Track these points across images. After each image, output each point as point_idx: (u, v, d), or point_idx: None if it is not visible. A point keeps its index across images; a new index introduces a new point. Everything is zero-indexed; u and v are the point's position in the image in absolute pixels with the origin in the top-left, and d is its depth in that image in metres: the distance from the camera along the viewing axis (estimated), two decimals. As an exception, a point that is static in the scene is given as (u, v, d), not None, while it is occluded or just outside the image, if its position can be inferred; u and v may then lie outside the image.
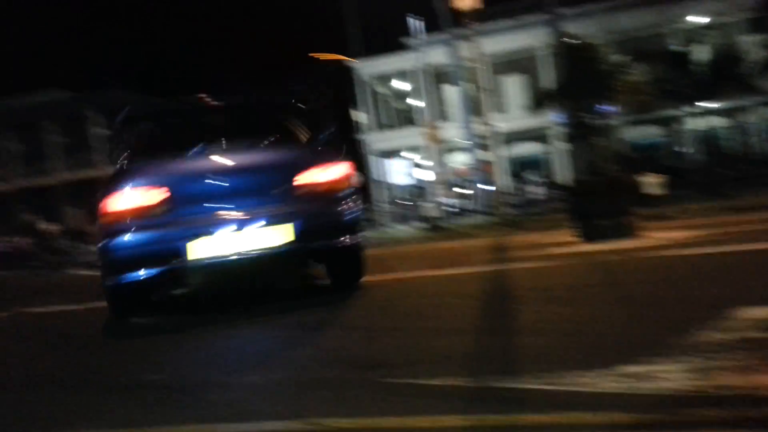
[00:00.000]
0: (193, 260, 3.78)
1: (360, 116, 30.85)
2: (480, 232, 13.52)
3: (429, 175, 30.29)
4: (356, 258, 4.38)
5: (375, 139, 31.08)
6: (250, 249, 3.84)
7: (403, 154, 32.45)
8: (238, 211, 3.90)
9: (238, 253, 3.83)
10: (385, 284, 4.89)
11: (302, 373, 2.41)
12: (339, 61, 28.45)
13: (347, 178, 4.23)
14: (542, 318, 2.90)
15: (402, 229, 18.50)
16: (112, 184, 3.96)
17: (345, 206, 4.13)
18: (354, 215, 4.20)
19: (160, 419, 1.95)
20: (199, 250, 3.78)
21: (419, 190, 33.32)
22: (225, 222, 3.86)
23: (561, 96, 17.76)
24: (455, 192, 29.27)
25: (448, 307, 3.59)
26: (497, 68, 29.02)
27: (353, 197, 4.24)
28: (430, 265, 6.43)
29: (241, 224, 3.84)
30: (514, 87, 29.91)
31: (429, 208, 18.68)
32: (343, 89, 30.57)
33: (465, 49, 21.34)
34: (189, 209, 3.89)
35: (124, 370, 2.91)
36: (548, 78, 25.35)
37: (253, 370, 2.56)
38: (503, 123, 26.50)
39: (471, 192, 26.91)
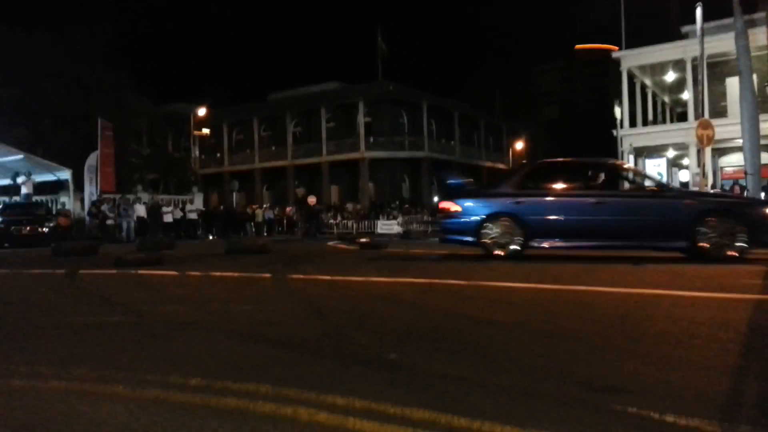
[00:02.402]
0: None
1: (618, 111, 28.67)
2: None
3: (692, 177, 27.00)
4: None
5: (633, 136, 28.65)
6: None
7: (664, 153, 29.45)
8: None
9: None
10: (618, 299, 4.56)
11: (528, 381, 2.40)
12: (600, 52, 26.85)
13: None
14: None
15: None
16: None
17: None
18: None
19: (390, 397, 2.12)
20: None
21: (679, 193, 29.87)
22: None
23: None
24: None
25: (698, 336, 3.21)
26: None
27: None
28: (680, 284, 5.78)
29: None
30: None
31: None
32: (601, 81, 28.80)
33: (755, 36, 18.34)
34: None
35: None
36: None
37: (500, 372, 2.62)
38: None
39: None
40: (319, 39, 76.96)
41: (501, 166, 47.56)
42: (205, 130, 39.20)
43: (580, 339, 3.21)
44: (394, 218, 31.31)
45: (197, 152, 40.88)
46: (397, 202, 35.60)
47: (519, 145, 45.68)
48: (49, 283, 6.59)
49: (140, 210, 23.15)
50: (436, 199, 39.77)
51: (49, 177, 22.78)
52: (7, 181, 22.26)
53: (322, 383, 2.34)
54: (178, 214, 25.19)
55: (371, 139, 39.01)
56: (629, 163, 15.93)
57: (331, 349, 3.04)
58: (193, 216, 26.08)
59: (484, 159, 46.78)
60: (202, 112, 36.94)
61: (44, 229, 17.83)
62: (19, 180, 21.32)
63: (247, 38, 77.41)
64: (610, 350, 2.94)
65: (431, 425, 1.87)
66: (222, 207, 31.91)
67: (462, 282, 5.71)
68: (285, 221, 30.66)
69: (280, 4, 73.27)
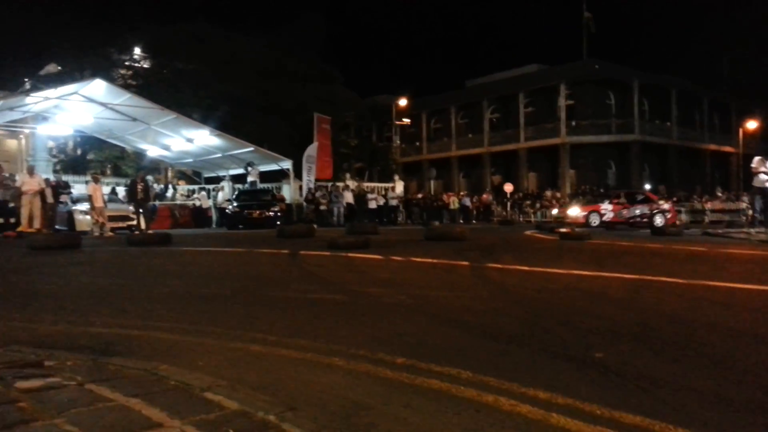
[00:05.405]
0: None
1: None
2: None
3: None
4: None
5: None
6: None
7: None
8: None
9: None
10: None
11: (759, 394, 2.13)
12: None
13: None
14: None
15: None
16: None
17: None
18: None
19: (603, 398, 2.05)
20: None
21: None
22: None
23: None
24: None
25: None
26: None
27: None
28: None
29: None
30: None
31: None
32: None
33: None
34: None
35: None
36: None
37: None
38: None
39: None
40: (518, 21, 74.93)
41: (728, 149, 41.83)
42: (406, 120, 40.76)
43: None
44: (598, 207, 29.41)
45: (398, 141, 42.76)
46: (602, 190, 33.38)
47: (751, 125, 39.55)
48: (276, 262, 7.49)
49: (348, 197, 24.99)
50: (648, 186, 36.46)
51: (273, 166, 25.67)
52: (240, 171, 25.69)
53: (522, 375, 2.34)
54: (381, 200, 26.68)
55: (573, 123, 37.05)
56: None
57: (531, 341, 3.01)
58: (394, 203, 27.41)
59: (707, 142, 41.56)
60: (403, 102, 38.45)
61: (270, 213, 20.20)
62: (249, 169, 24.43)
63: (447, 25, 78.55)
64: None
65: (643, 432, 1.76)
66: (420, 194, 33.01)
67: (680, 280, 5.20)
68: (481, 208, 30.68)
69: (479, -10, 73.02)
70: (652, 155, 38.28)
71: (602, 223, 19.78)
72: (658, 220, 19.63)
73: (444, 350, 2.81)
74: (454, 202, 29.38)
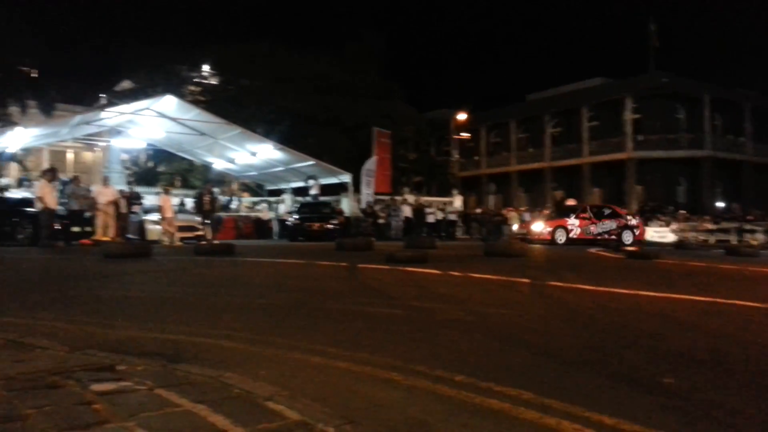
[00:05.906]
0: None
1: None
2: None
3: None
4: None
5: None
6: None
7: None
8: None
9: None
10: None
11: None
12: None
13: None
14: None
15: None
16: None
17: None
18: None
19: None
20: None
21: None
22: None
23: None
24: None
25: None
26: None
27: None
28: None
29: None
30: None
31: None
32: None
33: None
34: None
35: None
36: None
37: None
38: None
39: None
40: (581, 34, 73.47)
41: (807, 165, 39.37)
42: (465, 134, 40.51)
43: None
44: (667, 225, 28.23)
45: (457, 155, 42.52)
46: (672, 207, 32.01)
47: (835, 140, 37.04)
48: (335, 275, 7.58)
49: (407, 210, 25.04)
50: (721, 204, 34.74)
51: (332, 180, 26.08)
52: (301, 184, 26.24)
53: (586, 398, 2.27)
54: (440, 215, 26.58)
55: (640, 138, 35.80)
56: None
57: (595, 363, 2.91)
58: (453, 217, 27.23)
59: (784, 157, 39.27)
60: (462, 116, 38.26)
61: (329, 226, 20.50)
62: (310, 182, 24.91)
63: (508, 39, 77.87)
64: None
65: (716, 464, 1.67)
66: (479, 209, 32.69)
67: (755, 304, 4.92)
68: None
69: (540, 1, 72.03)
70: (725, 172, 36.49)
71: (569, 240, 18.57)
72: (626, 237, 18.68)
73: (504, 369, 2.76)
74: (514, 218, 28.91)
